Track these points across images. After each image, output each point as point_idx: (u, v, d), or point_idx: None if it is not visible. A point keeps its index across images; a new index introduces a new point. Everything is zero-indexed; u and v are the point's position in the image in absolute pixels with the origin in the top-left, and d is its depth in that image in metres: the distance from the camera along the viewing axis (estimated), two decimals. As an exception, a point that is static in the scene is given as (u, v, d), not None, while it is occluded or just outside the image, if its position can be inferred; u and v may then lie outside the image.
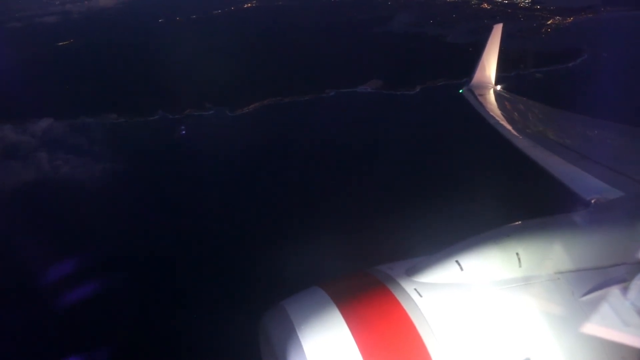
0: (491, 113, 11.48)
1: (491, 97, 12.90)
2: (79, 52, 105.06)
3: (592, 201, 6.18)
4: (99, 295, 35.47)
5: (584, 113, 12.13)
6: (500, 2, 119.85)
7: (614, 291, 3.93)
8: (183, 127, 67.64)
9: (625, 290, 3.92)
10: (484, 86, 13.52)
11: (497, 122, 10.89)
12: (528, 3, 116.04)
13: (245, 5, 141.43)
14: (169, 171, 58.67)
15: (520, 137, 9.56)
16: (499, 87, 13.61)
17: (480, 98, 12.61)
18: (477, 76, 13.74)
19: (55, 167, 57.37)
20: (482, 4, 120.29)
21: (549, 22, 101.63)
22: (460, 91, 13.49)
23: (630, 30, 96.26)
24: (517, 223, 4.42)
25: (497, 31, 14.16)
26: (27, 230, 42.48)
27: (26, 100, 65.98)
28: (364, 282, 3.84)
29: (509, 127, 10.46)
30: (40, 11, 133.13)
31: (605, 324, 3.77)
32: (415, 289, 3.69)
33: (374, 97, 75.42)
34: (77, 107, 72.12)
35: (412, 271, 3.88)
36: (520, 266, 3.90)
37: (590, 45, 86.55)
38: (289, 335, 3.39)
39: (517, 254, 3.92)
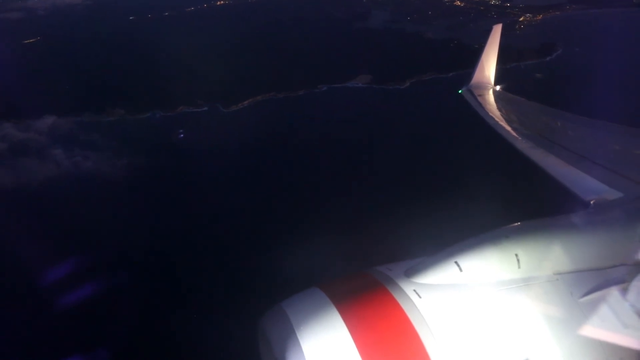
0: (490, 114, 11.60)
1: (490, 97, 13.02)
2: (49, 50, 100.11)
3: (591, 202, 6.24)
4: (96, 296, 35.03)
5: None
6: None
7: (613, 292, 3.94)
8: (182, 131, 66.42)
9: (624, 292, 3.93)
10: (483, 86, 13.61)
11: (496, 122, 11.01)
12: (498, 1, 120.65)
13: (218, 3, 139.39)
14: (165, 169, 57.58)
15: (520, 138, 9.65)
16: (498, 88, 13.75)
17: (479, 98, 12.70)
18: (477, 76, 13.78)
19: (47, 166, 55.49)
20: (454, 1, 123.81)
21: (521, 19, 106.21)
22: (460, 91, 13.57)
23: (596, 26, 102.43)
24: (516, 224, 4.43)
25: (497, 31, 14.25)
26: (29, 230, 41.12)
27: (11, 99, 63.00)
28: (363, 283, 3.83)
29: (508, 127, 10.59)
30: (1, 7, 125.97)
31: (604, 325, 3.78)
32: (414, 290, 3.69)
33: (367, 92, 76.52)
34: (63, 105, 69.05)
35: (411, 272, 3.87)
36: (519, 267, 3.90)
37: (562, 41, 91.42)
38: (288, 336, 3.39)
39: (516, 255, 3.93)
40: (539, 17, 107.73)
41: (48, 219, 45.23)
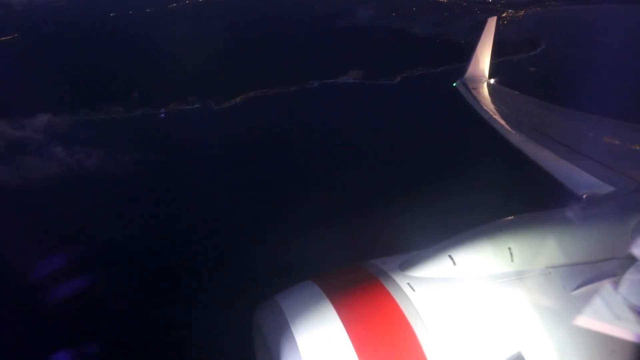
0: (484, 107, 11.57)
1: (485, 90, 12.97)
2: (28, 48, 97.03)
3: (584, 196, 6.30)
4: (90, 293, 35.33)
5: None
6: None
7: (605, 285, 3.99)
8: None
9: (616, 285, 3.98)
10: (477, 80, 13.52)
11: (491, 116, 11.00)
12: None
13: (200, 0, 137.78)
14: (160, 166, 57.16)
15: (513, 132, 9.69)
16: (492, 81, 13.70)
17: (474, 92, 12.65)
18: (471, 69, 13.71)
19: (49, 164, 54.83)
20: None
21: (504, 14, 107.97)
22: (454, 84, 13.48)
23: (576, 22, 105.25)
24: (509, 218, 4.49)
25: (491, 24, 14.17)
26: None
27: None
28: (357, 277, 3.86)
29: (502, 121, 10.60)
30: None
31: (596, 318, 3.83)
32: (408, 284, 3.72)
33: (359, 87, 76.89)
34: (51, 103, 67.28)
35: (405, 265, 3.90)
36: (512, 261, 3.94)
37: (545, 36, 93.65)
38: (282, 329, 3.40)
39: (510, 248, 3.97)
40: (521, 13, 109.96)
41: (56, 216, 44.89)
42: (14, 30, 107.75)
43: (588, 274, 4.04)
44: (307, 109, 70.39)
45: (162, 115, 67.11)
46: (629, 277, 3.96)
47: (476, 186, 39.99)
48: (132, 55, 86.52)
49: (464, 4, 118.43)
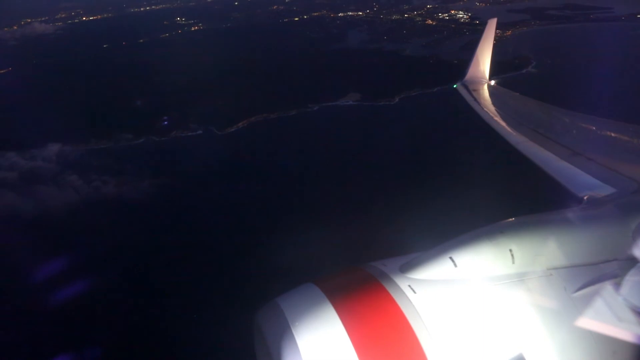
0: (485, 109, 11.52)
1: (485, 92, 12.88)
2: (25, 80, 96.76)
3: (585, 198, 6.26)
4: (90, 293, 36.14)
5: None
6: (442, 18, 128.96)
7: (606, 287, 3.98)
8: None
9: (617, 286, 3.98)
10: (477, 81, 13.47)
11: (491, 117, 10.94)
12: (467, 19, 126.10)
13: (193, 29, 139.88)
14: (168, 190, 57.37)
15: (514, 133, 9.64)
16: (492, 82, 13.62)
17: (474, 93, 12.59)
18: (471, 71, 13.66)
19: (67, 193, 55.49)
20: (426, 20, 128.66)
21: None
22: (454, 86, 13.49)
23: (560, 40, 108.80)
24: (510, 219, 4.46)
25: (492, 26, 14.12)
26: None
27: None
28: (358, 279, 3.84)
29: (502, 123, 10.50)
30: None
31: (598, 319, 3.82)
32: (409, 285, 3.70)
33: (359, 109, 77.92)
34: (56, 134, 67.17)
35: (406, 267, 3.89)
36: (513, 262, 3.93)
37: (534, 54, 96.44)
38: (283, 331, 3.39)
39: (511, 250, 3.96)
40: (509, 33, 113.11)
41: (78, 241, 45.54)
42: (8, 64, 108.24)
43: (589, 276, 4.03)
44: (309, 131, 70.96)
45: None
46: (630, 279, 3.97)
47: (477, 188, 40.45)
48: (131, 85, 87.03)
49: (452, 26, 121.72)
